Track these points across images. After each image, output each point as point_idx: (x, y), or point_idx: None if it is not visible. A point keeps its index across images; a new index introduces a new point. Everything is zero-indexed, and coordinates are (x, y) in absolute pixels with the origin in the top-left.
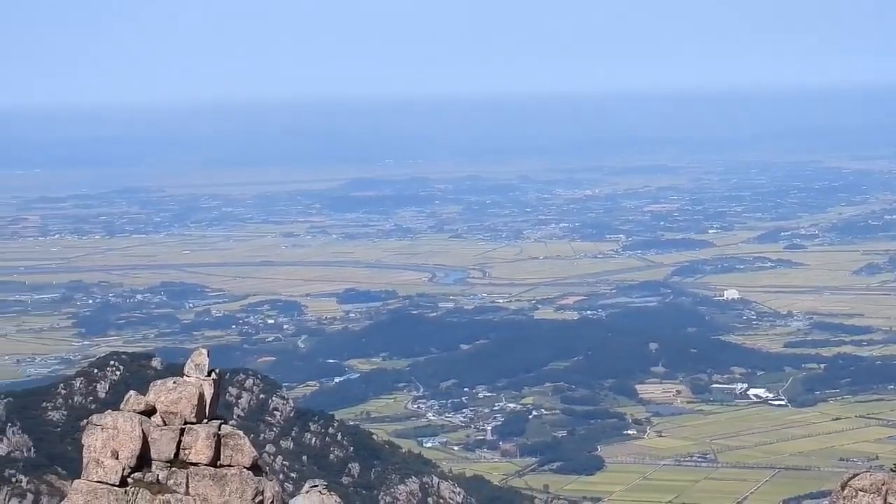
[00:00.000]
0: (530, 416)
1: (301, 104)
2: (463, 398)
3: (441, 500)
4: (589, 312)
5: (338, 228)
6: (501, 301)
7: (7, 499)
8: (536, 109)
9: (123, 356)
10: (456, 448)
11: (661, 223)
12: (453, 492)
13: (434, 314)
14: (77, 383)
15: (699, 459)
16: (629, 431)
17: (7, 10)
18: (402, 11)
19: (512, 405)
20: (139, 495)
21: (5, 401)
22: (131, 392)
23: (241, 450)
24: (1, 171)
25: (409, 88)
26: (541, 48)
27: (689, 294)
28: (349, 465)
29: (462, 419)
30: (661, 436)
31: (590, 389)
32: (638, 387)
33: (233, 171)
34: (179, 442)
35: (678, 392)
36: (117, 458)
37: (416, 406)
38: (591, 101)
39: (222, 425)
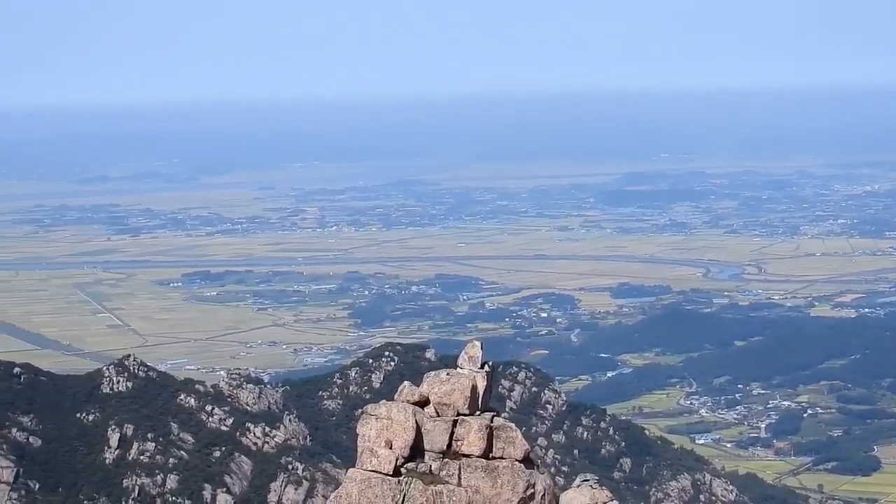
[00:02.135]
0: (805, 415)
1: (578, 98)
2: (737, 395)
3: (713, 498)
4: (867, 310)
5: (612, 223)
6: (777, 297)
7: (283, 486)
8: (816, 103)
9: (398, 347)
10: (729, 445)
11: None
12: (726, 489)
13: (708, 310)
14: (352, 373)
15: None
16: None
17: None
18: (679, 6)
19: (786, 403)
20: (412, 485)
21: (283, 389)
22: (405, 383)
23: (513, 442)
24: (281, 164)
25: (686, 83)
26: (816, 42)
27: None
28: (621, 459)
29: (735, 416)
30: None
31: (867, 389)
32: None
33: (508, 164)
34: (452, 433)
35: None
36: (391, 448)
37: (688, 402)
38: (871, 95)
39: (495, 417)
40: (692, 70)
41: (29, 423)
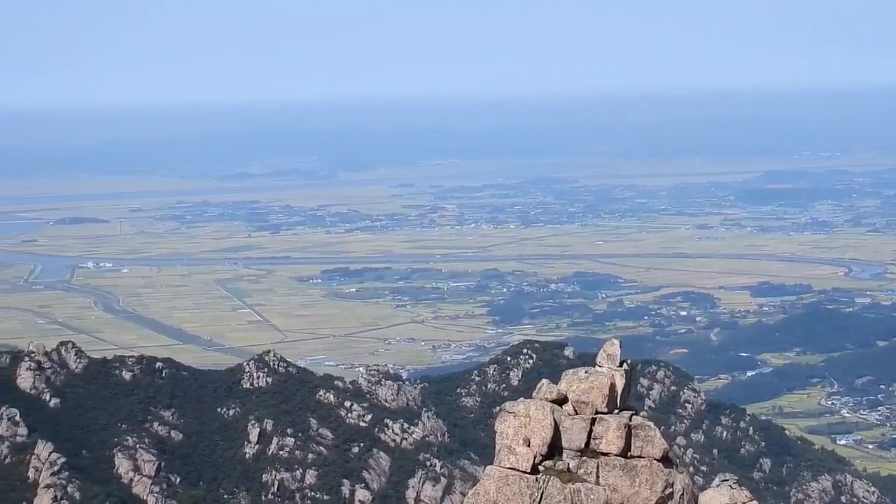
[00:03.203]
0: None
1: (717, 95)
2: (879, 395)
3: (854, 499)
4: None
5: (752, 221)
6: None
7: (421, 482)
8: None
9: (536, 345)
10: (870, 446)
11: None
12: (867, 491)
13: (850, 309)
14: (490, 370)
15: None
16: None
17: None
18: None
19: None
20: (550, 483)
21: (421, 386)
22: (543, 381)
23: (652, 441)
24: (420, 161)
25: (826, 80)
26: None
27: None
28: (760, 459)
29: (878, 417)
30: None
31: None
32: None
33: (647, 162)
34: (590, 431)
35: None
36: (529, 446)
37: (829, 402)
38: None
39: (633, 416)
40: (833, 67)
41: (170, 418)
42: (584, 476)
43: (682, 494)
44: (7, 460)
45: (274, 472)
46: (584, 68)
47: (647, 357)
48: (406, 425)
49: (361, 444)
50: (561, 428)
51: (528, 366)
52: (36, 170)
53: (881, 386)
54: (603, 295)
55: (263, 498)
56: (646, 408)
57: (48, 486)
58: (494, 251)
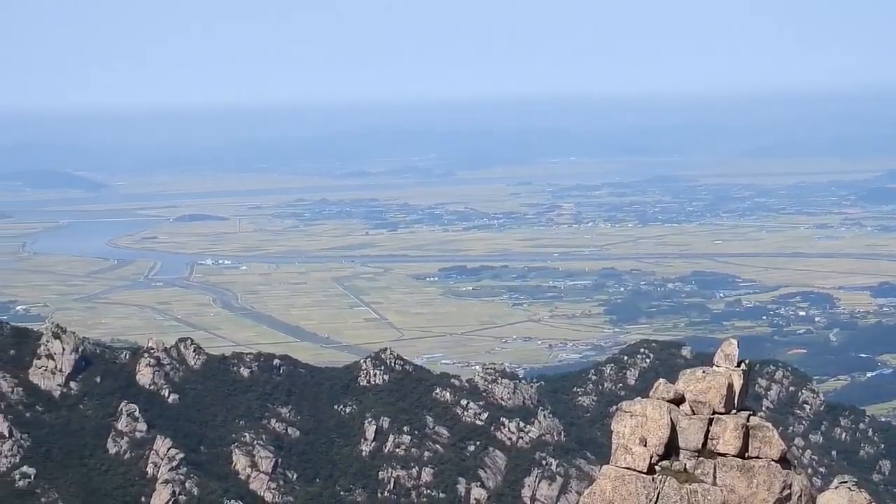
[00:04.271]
0: None
1: (837, 94)
2: None
3: None
4: None
5: (872, 220)
6: None
7: (537, 481)
8: None
9: (653, 344)
10: None
11: None
12: None
13: None
14: (607, 370)
15: None
16: None
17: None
18: None
19: None
20: (666, 483)
21: (537, 384)
22: (661, 380)
23: (770, 442)
24: (538, 160)
25: None
26: None
27: None
28: (880, 462)
29: None
30: None
31: None
32: None
33: (767, 160)
34: (707, 432)
35: None
36: (645, 446)
37: None
38: None
39: (751, 416)
40: None
41: (287, 415)
42: (700, 476)
43: (800, 496)
44: (126, 455)
45: (390, 470)
46: (703, 67)
47: (766, 357)
48: (522, 424)
49: (477, 443)
50: (678, 428)
51: (645, 365)
52: (157, 168)
53: None
54: (721, 294)
55: (379, 495)
56: (763, 408)
57: (167, 482)
58: (612, 250)
